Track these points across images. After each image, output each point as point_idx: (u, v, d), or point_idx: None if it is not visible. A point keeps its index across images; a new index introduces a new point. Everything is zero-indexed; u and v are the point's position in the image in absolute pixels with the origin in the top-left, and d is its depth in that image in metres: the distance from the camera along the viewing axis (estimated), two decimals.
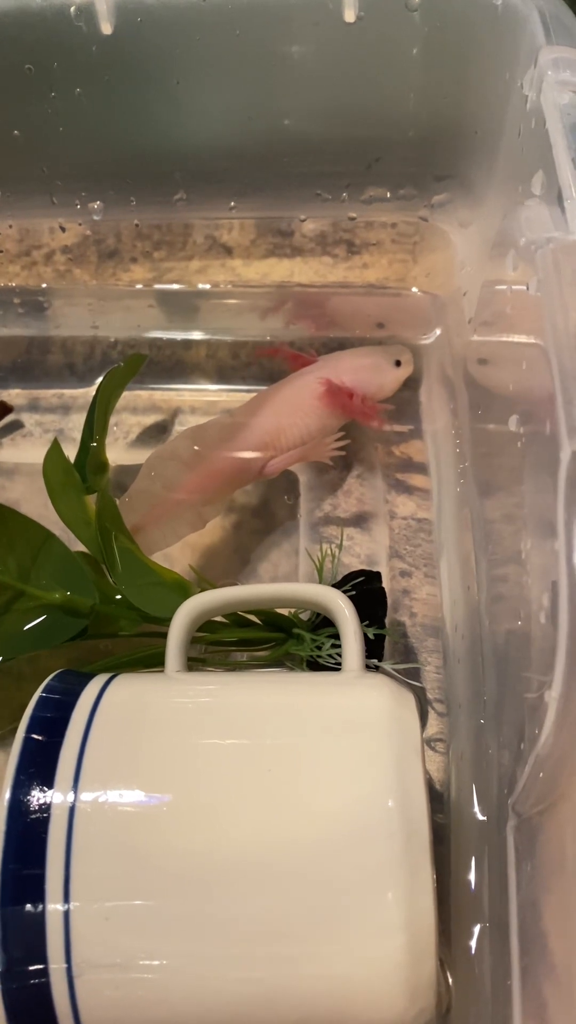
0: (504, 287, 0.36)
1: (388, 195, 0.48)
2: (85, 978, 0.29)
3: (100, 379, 0.47)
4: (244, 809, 0.30)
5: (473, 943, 0.34)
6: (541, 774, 0.28)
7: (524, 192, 0.35)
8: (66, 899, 0.29)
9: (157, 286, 0.54)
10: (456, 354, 0.48)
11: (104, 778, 0.31)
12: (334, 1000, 0.29)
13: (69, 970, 0.29)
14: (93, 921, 0.29)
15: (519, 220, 0.34)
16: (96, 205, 0.50)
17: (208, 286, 0.54)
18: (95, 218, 0.51)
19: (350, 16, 0.41)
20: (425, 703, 0.42)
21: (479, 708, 0.40)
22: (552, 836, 0.29)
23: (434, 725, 0.42)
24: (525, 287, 0.31)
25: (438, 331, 0.51)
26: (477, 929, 0.34)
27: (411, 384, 0.50)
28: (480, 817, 0.37)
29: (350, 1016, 0.29)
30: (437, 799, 0.39)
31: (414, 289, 0.51)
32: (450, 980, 0.34)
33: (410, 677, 0.43)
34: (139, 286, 0.54)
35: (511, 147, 0.38)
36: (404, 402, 0.50)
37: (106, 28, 0.42)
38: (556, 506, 0.33)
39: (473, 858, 0.36)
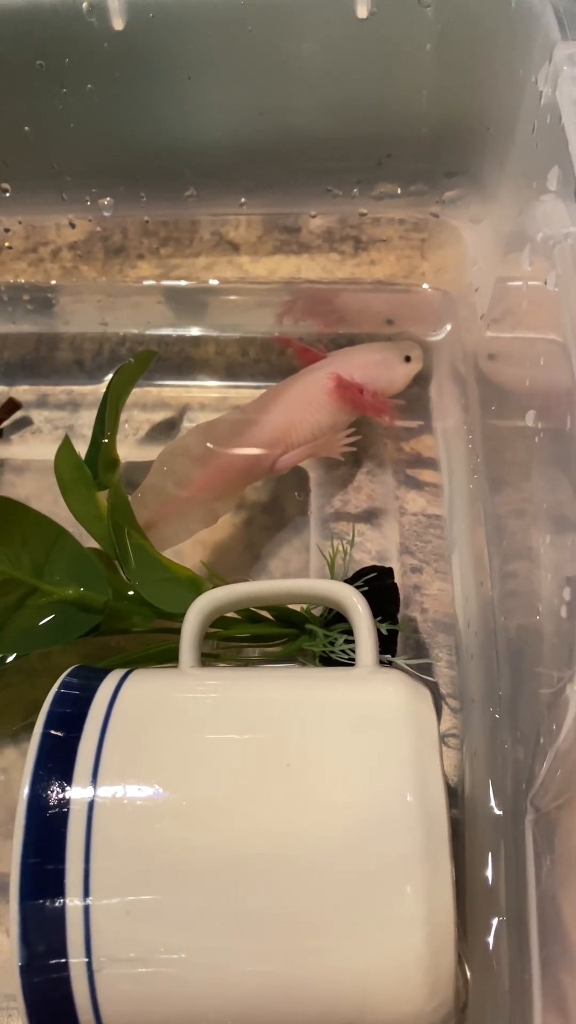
0: (519, 283, 0.36)
1: (399, 191, 0.48)
2: (105, 972, 0.29)
3: (109, 376, 0.47)
4: (263, 804, 0.30)
5: (491, 938, 0.34)
6: (560, 769, 0.28)
7: (539, 188, 0.35)
8: (86, 894, 0.29)
9: (165, 282, 0.54)
10: (467, 350, 0.48)
11: (123, 773, 0.31)
12: (354, 994, 0.29)
13: (89, 964, 0.29)
14: (113, 916, 0.29)
15: (535, 215, 0.34)
16: (106, 201, 0.50)
17: (216, 282, 0.54)
18: (105, 214, 0.51)
19: (362, 12, 0.41)
20: (438, 698, 0.43)
21: (494, 703, 0.40)
22: (571, 830, 0.29)
23: (447, 720, 0.42)
24: (542, 282, 0.31)
25: (449, 327, 0.51)
26: (495, 923, 0.34)
27: (421, 380, 0.49)
28: (496, 812, 0.37)
29: (369, 1010, 0.29)
30: (451, 794, 0.39)
31: (425, 286, 0.51)
32: (468, 974, 0.34)
33: (422, 673, 0.43)
34: (148, 282, 0.54)
35: (525, 143, 0.38)
36: (414, 398, 0.50)
37: (118, 24, 0.42)
38: (573, 502, 0.33)
39: (489, 853, 0.36)
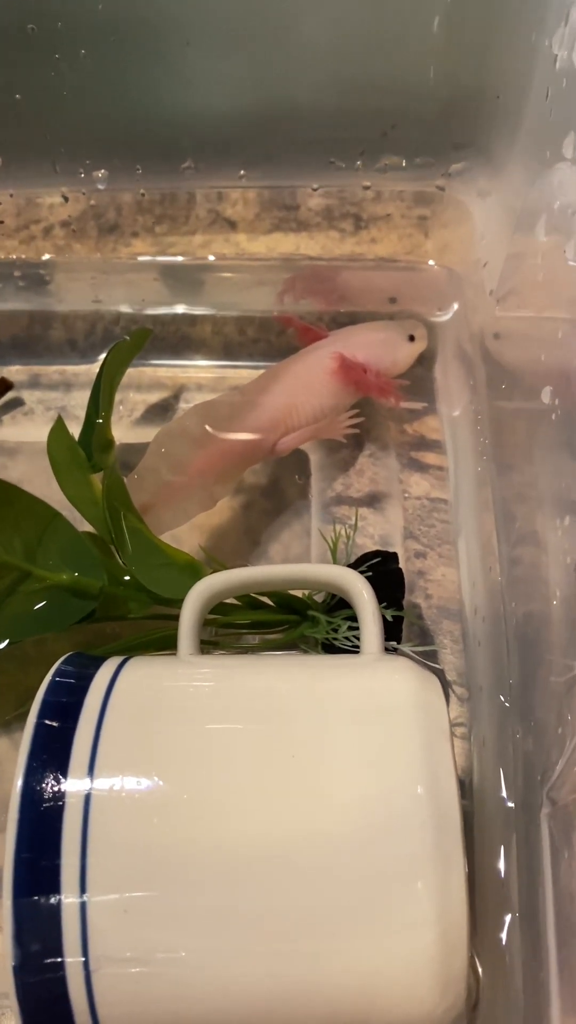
0: (534, 256, 0.35)
1: (404, 164, 0.47)
2: (103, 972, 0.28)
3: (103, 355, 0.46)
4: (267, 798, 0.29)
5: (503, 934, 0.33)
6: None
7: (553, 156, 0.34)
8: (83, 891, 0.28)
9: (161, 259, 0.52)
10: (474, 329, 0.47)
11: (121, 765, 0.30)
12: (362, 996, 0.28)
13: (86, 964, 0.28)
14: (111, 914, 0.28)
15: (551, 184, 0.32)
16: (100, 174, 0.49)
17: (213, 259, 0.52)
18: (99, 187, 0.49)
19: None
20: (445, 686, 0.41)
21: (503, 691, 0.39)
22: None
23: (454, 709, 0.41)
24: (560, 254, 0.30)
25: (455, 305, 0.50)
26: (507, 920, 0.33)
27: (425, 360, 0.48)
28: (507, 804, 0.36)
29: (377, 1012, 0.28)
30: (460, 785, 0.38)
31: (430, 262, 0.50)
32: (479, 970, 0.33)
33: (428, 660, 0.41)
34: (143, 259, 0.52)
35: (537, 110, 0.37)
36: (418, 379, 0.49)
37: None
38: None
39: (501, 846, 0.35)
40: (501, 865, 0.34)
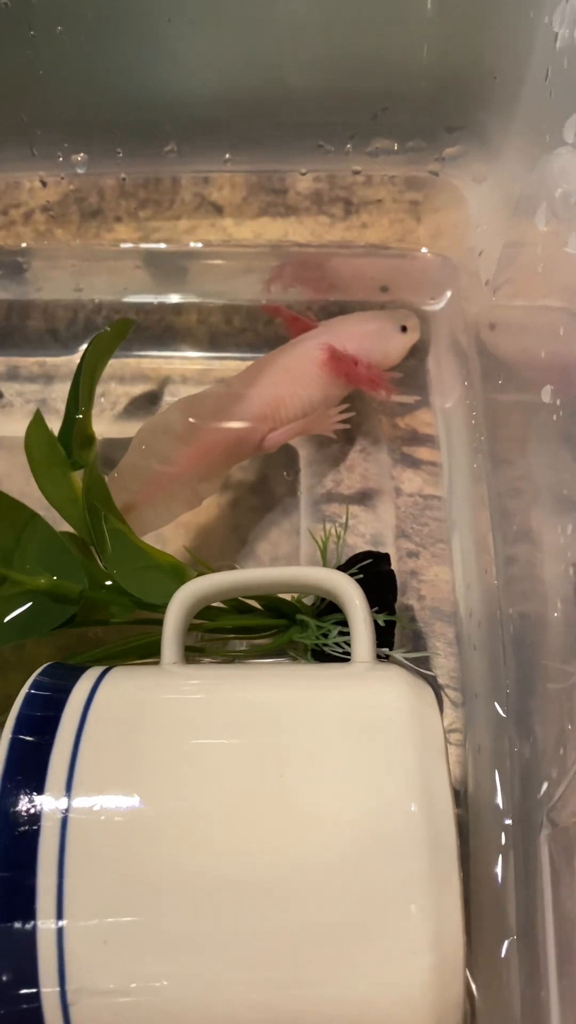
0: (533, 245, 0.33)
1: (396, 147, 0.45)
2: (81, 1005, 0.26)
3: (84, 346, 0.45)
4: (253, 818, 0.28)
5: (500, 952, 0.31)
6: None
7: (553, 140, 0.32)
8: (59, 917, 0.27)
9: (144, 245, 0.51)
10: (469, 320, 0.46)
11: (99, 783, 0.28)
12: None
13: (63, 995, 0.26)
14: (90, 942, 0.27)
15: (551, 170, 0.31)
16: (80, 157, 0.47)
17: (199, 245, 0.51)
18: (79, 171, 0.47)
19: None
20: (438, 691, 0.40)
21: (499, 698, 0.37)
22: None
23: (448, 715, 0.40)
24: (562, 244, 0.28)
25: (448, 295, 0.48)
26: (505, 943, 0.31)
27: (418, 352, 0.47)
28: (503, 816, 0.34)
29: None
30: (455, 794, 0.37)
31: (423, 250, 0.48)
32: (475, 992, 0.32)
33: (421, 664, 0.40)
34: (125, 246, 0.51)
35: (536, 92, 0.35)
36: (410, 371, 0.47)
37: None
38: None
39: (497, 858, 0.34)
40: (498, 878, 0.33)
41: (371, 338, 0.45)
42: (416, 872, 0.27)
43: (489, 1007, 0.31)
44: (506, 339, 0.39)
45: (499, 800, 0.35)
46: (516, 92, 0.38)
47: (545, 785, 0.30)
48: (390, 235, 0.50)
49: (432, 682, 0.40)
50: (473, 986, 0.32)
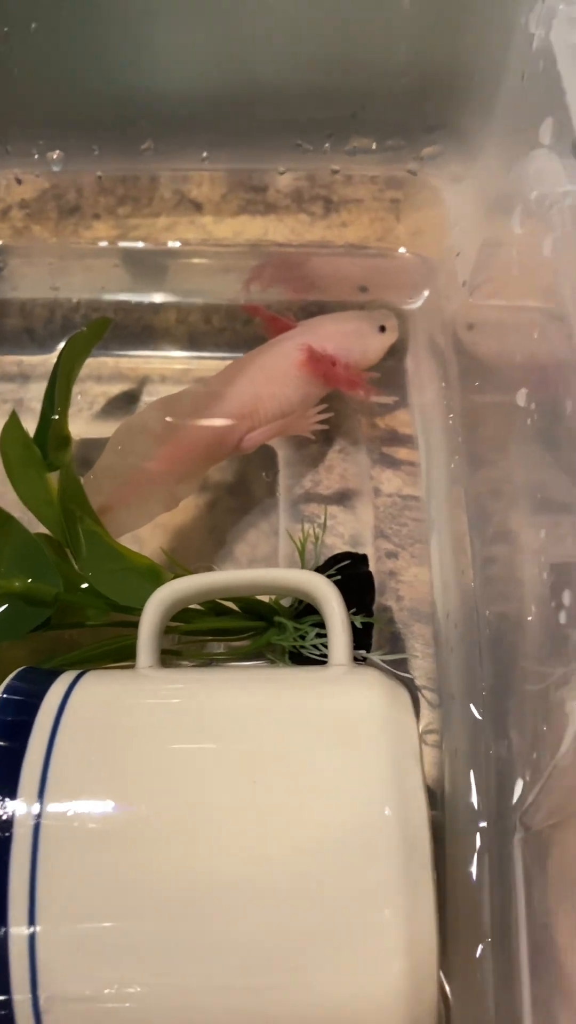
0: (509, 247, 0.33)
1: (374, 146, 0.45)
2: (54, 1013, 0.26)
3: (61, 345, 0.44)
4: (228, 824, 0.27)
5: (475, 955, 0.31)
6: (557, 788, 0.26)
7: (530, 142, 0.32)
8: (31, 924, 0.26)
9: (122, 244, 0.50)
10: (447, 320, 0.46)
11: (73, 789, 0.28)
12: None
13: (35, 1004, 0.26)
14: (63, 949, 0.26)
15: (527, 173, 0.31)
16: (55, 155, 0.46)
17: (177, 244, 0.50)
18: (54, 169, 0.47)
19: None
20: (415, 692, 0.40)
21: (475, 700, 0.37)
22: (567, 853, 0.26)
23: (425, 716, 0.39)
24: (536, 247, 0.28)
25: (426, 294, 0.48)
26: (479, 946, 0.31)
27: (396, 352, 0.47)
28: (479, 818, 0.34)
29: None
30: (431, 795, 0.37)
31: (401, 250, 0.48)
32: (448, 991, 0.32)
33: (398, 666, 0.40)
34: (103, 244, 0.50)
35: (513, 92, 0.35)
36: (389, 371, 0.47)
37: None
38: (563, 484, 0.30)
39: (473, 861, 0.33)
40: (473, 881, 0.33)
41: (350, 338, 0.45)
42: (390, 876, 0.27)
43: (463, 1010, 0.31)
44: (483, 340, 0.39)
45: (474, 802, 0.35)
46: (494, 92, 0.37)
47: (519, 788, 0.30)
48: (370, 234, 0.50)
49: (409, 684, 0.40)
50: (447, 988, 0.32)
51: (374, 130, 0.45)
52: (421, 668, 0.41)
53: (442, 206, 0.46)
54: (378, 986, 0.26)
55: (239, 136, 0.45)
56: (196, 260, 0.51)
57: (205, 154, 0.47)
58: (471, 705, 0.38)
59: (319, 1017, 0.26)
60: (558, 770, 0.25)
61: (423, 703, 0.40)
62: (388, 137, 0.45)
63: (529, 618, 0.34)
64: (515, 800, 0.30)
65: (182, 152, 0.46)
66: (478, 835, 0.34)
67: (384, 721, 0.29)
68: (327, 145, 0.46)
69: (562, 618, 0.26)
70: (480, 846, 0.34)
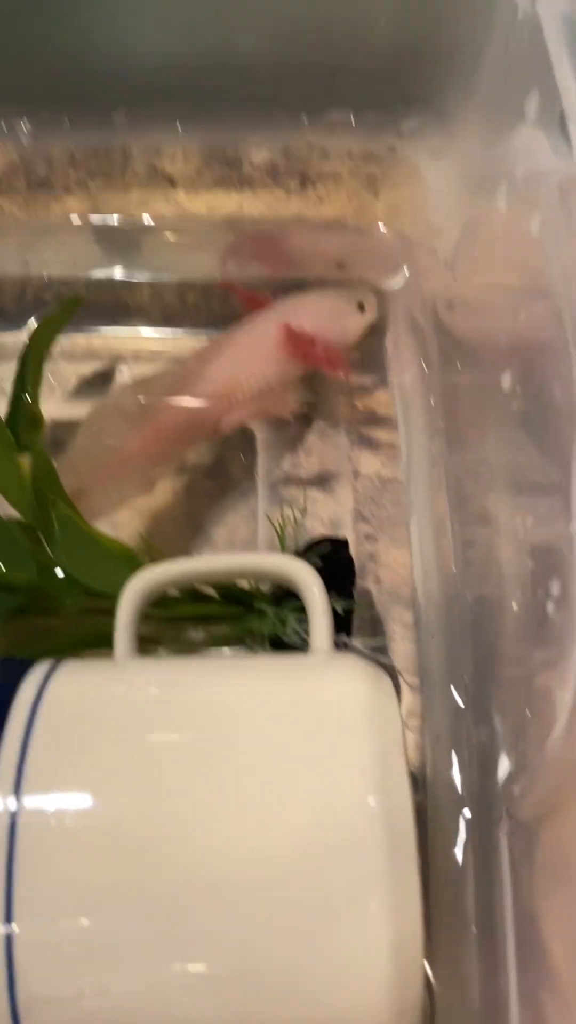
0: (493, 225, 0.32)
1: (352, 120, 0.44)
2: (34, 1016, 0.26)
3: (32, 323, 0.44)
4: (210, 820, 0.27)
5: (459, 944, 0.31)
6: (544, 780, 0.25)
7: (514, 116, 0.31)
8: (8, 923, 0.26)
9: (94, 218, 0.49)
10: (427, 299, 0.45)
11: (50, 784, 0.27)
12: None
13: (13, 1007, 0.26)
14: (41, 950, 0.26)
15: (512, 148, 0.30)
16: (24, 126, 0.45)
17: (151, 219, 0.49)
18: (23, 140, 0.45)
19: None
20: (395, 676, 0.40)
21: (457, 686, 0.37)
22: (553, 842, 0.26)
23: (406, 700, 0.39)
24: (521, 226, 0.28)
25: (406, 273, 0.47)
26: (464, 933, 0.31)
27: (375, 331, 0.46)
28: (462, 805, 0.34)
29: None
30: (412, 780, 0.37)
31: (380, 226, 0.47)
32: (433, 980, 0.31)
33: (379, 650, 0.40)
34: (74, 219, 0.49)
35: (497, 65, 0.34)
36: (368, 351, 0.47)
37: None
38: (545, 465, 0.30)
39: (456, 849, 0.33)
40: (457, 869, 0.33)
41: (328, 317, 0.44)
42: (375, 869, 0.26)
43: (448, 998, 0.31)
44: (464, 320, 0.38)
45: (457, 789, 0.35)
46: (476, 64, 0.37)
47: (504, 776, 0.30)
48: (347, 210, 0.49)
49: (390, 670, 0.40)
50: (432, 978, 0.31)
51: (352, 103, 0.44)
52: (401, 653, 0.40)
53: (422, 182, 0.45)
54: (363, 981, 0.26)
55: (215, 107, 0.44)
56: (170, 236, 0.50)
57: (179, 125, 0.45)
58: (453, 690, 0.37)
59: (304, 1012, 0.26)
60: (546, 762, 0.25)
61: (404, 688, 0.39)
62: (366, 111, 0.44)
63: (511, 600, 0.33)
64: (500, 789, 0.30)
65: (156, 123, 0.45)
66: (462, 822, 0.34)
67: (367, 709, 0.29)
68: (304, 118, 0.45)
69: (549, 606, 0.26)
70: (463, 833, 0.34)
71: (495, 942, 0.29)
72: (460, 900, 0.32)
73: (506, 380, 0.30)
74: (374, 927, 0.26)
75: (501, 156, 0.32)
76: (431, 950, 0.31)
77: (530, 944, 0.27)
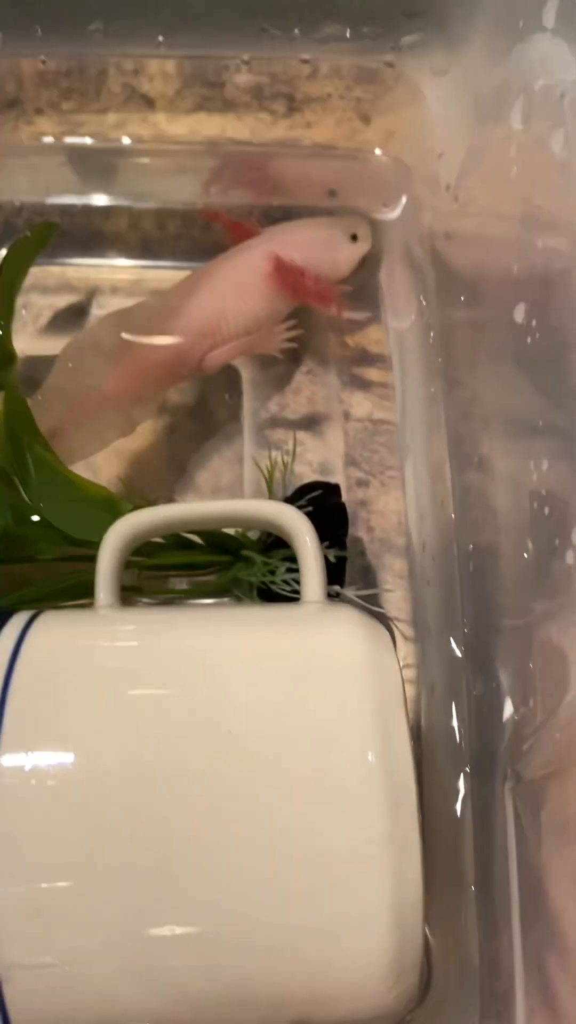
0: (506, 145, 0.30)
1: (347, 34, 0.41)
2: (16, 982, 0.25)
3: (2, 252, 0.41)
4: (199, 776, 0.26)
5: (458, 903, 0.30)
6: (555, 739, 0.24)
7: (529, 26, 0.29)
8: None
9: (68, 140, 0.46)
10: (425, 229, 0.43)
11: (29, 740, 0.26)
12: (310, 989, 0.26)
13: None
14: (22, 915, 0.25)
15: (528, 60, 0.28)
16: None
17: (128, 141, 0.46)
18: None
19: None
20: (389, 625, 0.38)
21: (455, 636, 0.36)
22: (561, 802, 0.25)
23: (400, 649, 0.38)
24: (543, 143, 0.25)
25: (404, 201, 0.45)
26: (463, 892, 0.30)
27: (369, 264, 0.44)
28: (459, 759, 0.33)
29: (326, 1003, 0.26)
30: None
31: (376, 151, 0.45)
32: (431, 940, 0.31)
33: (372, 601, 0.38)
34: (47, 140, 0.46)
35: None
36: (360, 285, 0.45)
37: None
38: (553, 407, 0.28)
39: (454, 805, 0.32)
40: (455, 825, 0.32)
41: (319, 247, 0.42)
42: (375, 828, 0.25)
43: (445, 958, 0.30)
44: (469, 251, 0.36)
45: (456, 742, 0.34)
46: None
47: (508, 732, 0.28)
48: (337, 134, 0.47)
49: (385, 620, 0.38)
50: (430, 938, 0.31)
51: (348, 15, 0.41)
52: (394, 602, 0.39)
53: (422, 103, 0.42)
54: (362, 943, 0.25)
55: (200, 18, 0.41)
56: (149, 159, 0.48)
57: (161, 38, 0.42)
58: (451, 640, 0.36)
59: (300, 974, 0.25)
60: (558, 720, 0.23)
61: (399, 635, 0.38)
62: (364, 23, 0.41)
63: (513, 547, 0.32)
64: (504, 745, 0.28)
65: (135, 34, 0.42)
66: (460, 777, 0.33)
67: (365, 662, 0.27)
68: (296, 31, 0.42)
69: (554, 556, 0.24)
70: (462, 788, 0.33)
71: (495, 902, 0.28)
72: (459, 857, 0.31)
73: (520, 318, 0.28)
74: (373, 887, 0.25)
75: (514, 70, 0.29)
76: (428, 910, 0.30)
77: (534, 904, 0.26)
